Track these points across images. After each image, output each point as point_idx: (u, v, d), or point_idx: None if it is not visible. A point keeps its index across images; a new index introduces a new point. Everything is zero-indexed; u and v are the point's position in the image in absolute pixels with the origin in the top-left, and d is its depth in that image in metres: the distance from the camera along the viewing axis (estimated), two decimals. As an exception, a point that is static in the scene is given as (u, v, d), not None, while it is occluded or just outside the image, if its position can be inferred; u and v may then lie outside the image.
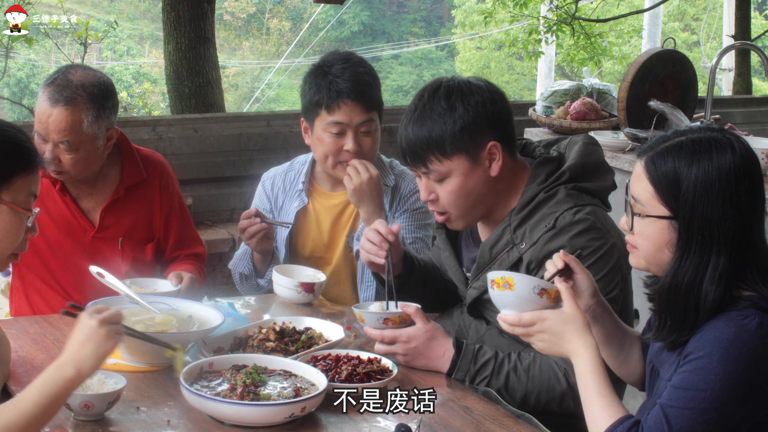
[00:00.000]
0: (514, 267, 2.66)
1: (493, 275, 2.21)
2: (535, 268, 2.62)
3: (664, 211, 2.05)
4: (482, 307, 2.81)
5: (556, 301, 2.16)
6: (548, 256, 2.57)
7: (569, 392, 2.55)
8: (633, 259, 2.18)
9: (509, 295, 2.18)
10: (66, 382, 2.02)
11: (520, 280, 2.18)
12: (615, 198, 2.77)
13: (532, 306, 2.16)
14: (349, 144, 3.24)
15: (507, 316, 2.19)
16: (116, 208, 3.32)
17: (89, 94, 3.14)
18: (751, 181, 2.02)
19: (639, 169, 2.10)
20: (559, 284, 2.15)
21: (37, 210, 2.26)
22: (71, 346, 2.05)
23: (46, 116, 3.11)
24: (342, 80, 3.22)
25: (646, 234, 2.09)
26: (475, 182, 2.68)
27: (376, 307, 2.75)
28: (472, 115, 2.63)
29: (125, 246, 3.32)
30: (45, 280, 3.30)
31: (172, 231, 3.42)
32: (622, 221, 2.18)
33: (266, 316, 2.96)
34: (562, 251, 2.26)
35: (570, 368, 2.52)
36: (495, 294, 2.21)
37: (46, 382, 2.00)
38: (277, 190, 3.51)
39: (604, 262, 2.59)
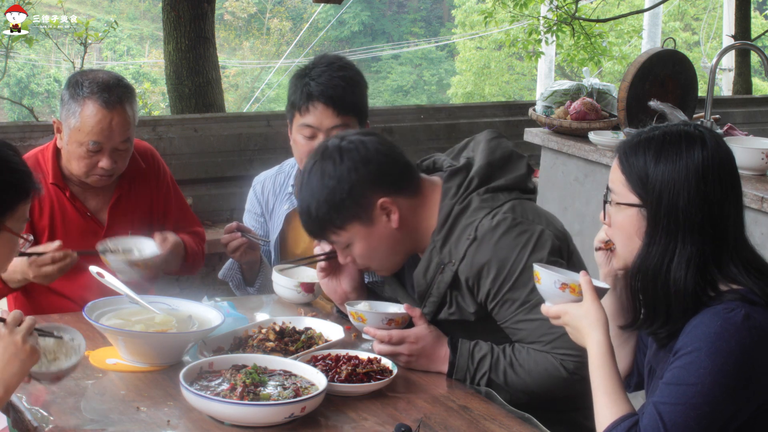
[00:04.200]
0: (454, 286, 2.64)
1: (534, 268, 2.24)
2: (473, 284, 2.60)
3: (634, 199, 2.10)
4: (442, 329, 2.75)
5: (581, 294, 2.18)
6: (481, 270, 2.58)
7: (569, 378, 2.54)
8: (614, 261, 2.22)
9: (540, 288, 2.24)
10: None
11: (544, 274, 2.22)
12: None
13: (559, 299, 2.20)
14: None
15: (542, 307, 2.26)
16: (122, 203, 3.33)
17: (126, 86, 3.21)
18: (720, 173, 2.06)
19: (615, 160, 2.17)
20: (581, 278, 2.17)
21: (31, 237, 2.28)
22: None
23: (108, 122, 3.12)
24: (315, 83, 3.20)
25: (618, 223, 2.15)
26: (378, 239, 2.65)
27: (364, 306, 2.74)
28: (347, 188, 2.59)
29: None
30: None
31: (170, 214, 3.44)
32: (600, 216, 2.23)
33: (266, 316, 2.96)
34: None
35: (567, 357, 2.52)
36: (537, 287, 2.26)
37: None
38: (267, 193, 3.50)
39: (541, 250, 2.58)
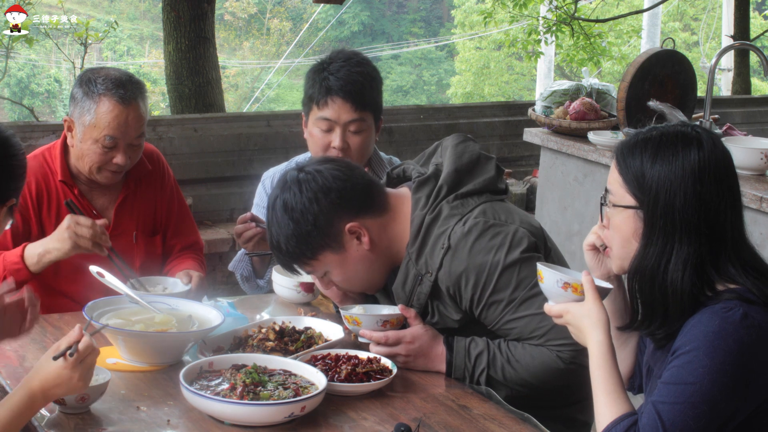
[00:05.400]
0: (434, 296, 2.64)
1: (537, 267, 2.24)
2: (455, 293, 2.61)
3: (630, 200, 2.11)
4: None
5: (583, 294, 2.18)
6: (459, 278, 2.58)
7: (567, 368, 2.55)
8: (611, 263, 2.21)
9: (542, 287, 2.23)
10: (34, 412, 2.19)
11: (547, 273, 2.22)
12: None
13: (561, 298, 2.20)
14: (336, 141, 3.24)
15: (544, 307, 2.26)
16: (127, 203, 3.34)
17: (138, 82, 3.25)
18: (717, 173, 2.06)
19: (613, 161, 2.17)
20: (583, 278, 2.17)
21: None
22: (45, 383, 2.16)
23: (124, 118, 3.15)
24: (335, 78, 3.23)
25: (615, 224, 2.15)
26: (354, 263, 2.66)
27: (358, 309, 2.75)
28: (311, 219, 2.59)
29: (139, 240, 3.35)
30: (46, 282, 3.29)
31: (171, 218, 3.46)
32: (599, 218, 2.23)
33: (266, 316, 2.96)
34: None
35: (562, 347, 2.53)
36: (540, 285, 2.25)
37: (15, 410, 2.13)
38: None
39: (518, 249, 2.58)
